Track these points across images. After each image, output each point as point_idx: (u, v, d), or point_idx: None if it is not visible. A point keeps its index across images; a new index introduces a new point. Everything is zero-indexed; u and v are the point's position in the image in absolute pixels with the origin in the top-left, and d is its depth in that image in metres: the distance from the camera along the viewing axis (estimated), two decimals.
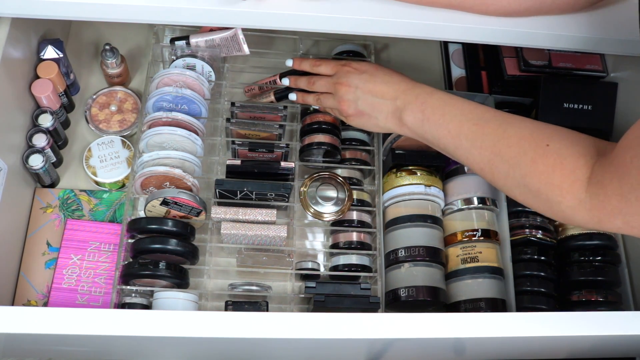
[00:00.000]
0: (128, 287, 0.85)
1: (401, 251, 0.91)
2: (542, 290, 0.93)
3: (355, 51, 1.06)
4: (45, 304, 0.91)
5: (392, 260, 0.91)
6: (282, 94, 1.00)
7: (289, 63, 0.95)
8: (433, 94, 0.80)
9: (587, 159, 0.65)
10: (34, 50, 0.94)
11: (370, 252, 0.93)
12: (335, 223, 0.95)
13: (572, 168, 0.65)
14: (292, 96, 0.95)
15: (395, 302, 0.89)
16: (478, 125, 0.74)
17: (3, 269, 0.88)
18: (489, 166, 0.72)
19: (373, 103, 0.84)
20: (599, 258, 0.94)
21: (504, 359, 0.92)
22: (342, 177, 0.95)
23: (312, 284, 0.86)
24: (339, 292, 0.86)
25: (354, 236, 0.94)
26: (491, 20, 0.83)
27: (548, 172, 0.67)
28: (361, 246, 0.94)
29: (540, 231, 0.96)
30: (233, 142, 0.93)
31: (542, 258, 0.95)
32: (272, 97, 1.00)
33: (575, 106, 1.04)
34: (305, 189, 0.94)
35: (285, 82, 0.96)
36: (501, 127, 0.72)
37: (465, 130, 0.74)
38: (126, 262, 0.86)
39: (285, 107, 0.96)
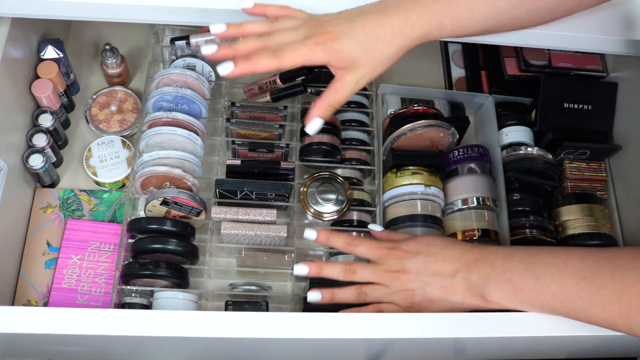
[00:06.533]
0: (128, 287, 0.85)
1: None
2: None
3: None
4: (45, 304, 0.91)
5: None
6: (278, 94, 1.00)
7: (312, 236, 0.78)
8: (509, 256, 0.69)
9: None
10: (34, 50, 0.94)
11: None
12: (335, 223, 0.95)
13: None
14: (315, 295, 0.75)
15: None
16: (586, 278, 0.63)
17: (3, 269, 0.88)
18: (623, 321, 0.62)
19: (443, 286, 0.72)
20: None
21: (504, 359, 0.92)
22: (342, 177, 0.95)
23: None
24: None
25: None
26: None
27: None
28: None
29: (540, 231, 0.95)
30: (233, 142, 0.93)
31: None
32: (268, 97, 1.00)
33: (575, 106, 1.04)
34: (305, 189, 0.94)
35: (303, 270, 0.76)
36: (616, 274, 0.62)
37: (572, 289, 0.64)
38: (126, 262, 0.86)
39: (285, 107, 0.96)
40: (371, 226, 0.84)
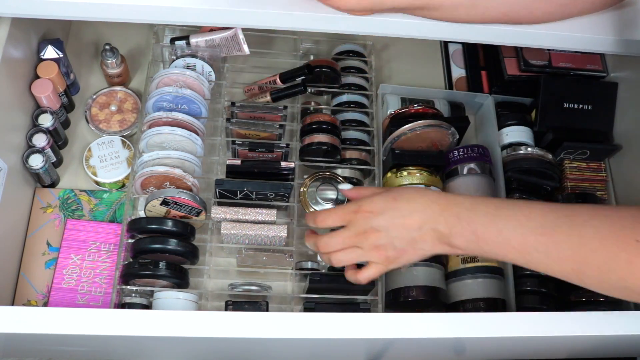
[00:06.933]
0: (128, 287, 0.85)
1: None
2: (542, 290, 0.93)
3: (355, 51, 1.06)
4: (45, 304, 0.91)
5: None
6: (278, 94, 1.00)
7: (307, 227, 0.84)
8: (474, 208, 0.71)
9: None
10: (34, 50, 0.94)
11: None
12: None
13: None
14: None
15: (395, 302, 0.89)
16: (545, 234, 0.66)
17: (3, 269, 0.88)
18: (575, 275, 0.65)
19: (412, 237, 0.74)
20: None
21: (504, 359, 0.92)
22: (342, 177, 0.95)
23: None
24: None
25: None
26: None
27: None
28: None
29: None
30: (233, 142, 0.93)
31: None
32: (268, 97, 1.00)
33: (575, 106, 1.04)
34: (305, 189, 0.94)
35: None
36: (573, 231, 0.64)
37: (531, 242, 0.66)
38: (126, 262, 0.86)
39: (285, 107, 0.96)
40: (341, 186, 0.85)
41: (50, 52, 0.94)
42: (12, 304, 0.90)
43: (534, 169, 0.99)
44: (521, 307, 0.91)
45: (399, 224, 0.74)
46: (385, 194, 0.78)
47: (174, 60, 0.96)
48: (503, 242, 0.68)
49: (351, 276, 0.80)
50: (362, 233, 0.76)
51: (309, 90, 1.01)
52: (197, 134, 0.91)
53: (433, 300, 0.89)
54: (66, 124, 1.01)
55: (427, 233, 0.73)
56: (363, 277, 0.78)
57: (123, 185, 0.99)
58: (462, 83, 1.14)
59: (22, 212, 0.94)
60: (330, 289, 0.88)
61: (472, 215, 0.70)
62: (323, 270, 0.93)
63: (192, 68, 0.96)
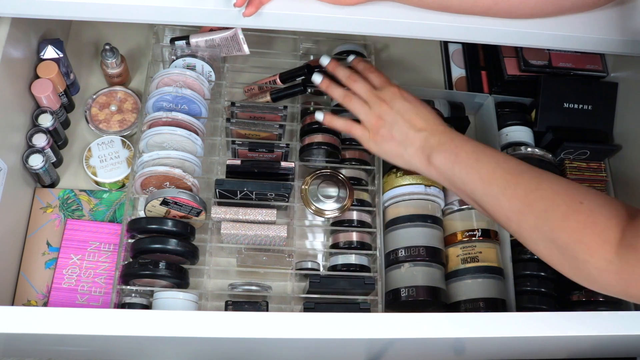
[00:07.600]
0: (128, 287, 0.85)
1: (401, 251, 0.91)
2: (542, 290, 0.93)
3: (355, 51, 1.06)
4: (45, 304, 0.91)
5: (392, 260, 0.91)
6: (278, 94, 1.00)
7: (325, 61, 0.89)
8: (469, 141, 0.79)
9: (619, 221, 0.63)
10: (34, 50, 0.94)
11: (370, 252, 0.93)
12: (335, 223, 0.95)
13: (603, 227, 0.63)
14: (317, 78, 0.88)
15: (395, 302, 0.89)
16: (511, 174, 0.73)
17: (3, 269, 0.88)
18: (516, 216, 0.71)
19: (408, 133, 0.81)
20: None
21: (504, 359, 0.92)
22: (343, 175, 0.95)
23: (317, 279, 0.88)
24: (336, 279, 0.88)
25: (354, 236, 0.94)
26: (491, 20, 0.83)
27: (579, 229, 0.65)
28: (361, 246, 0.94)
29: None
30: (233, 142, 0.93)
31: None
32: (268, 97, 1.00)
33: (575, 106, 1.04)
34: (306, 187, 0.94)
35: (318, 79, 0.88)
36: (535, 180, 0.71)
37: (497, 177, 0.73)
38: (126, 262, 0.86)
39: (285, 107, 0.96)
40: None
41: (50, 52, 0.94)
42: (12, 304, 0.90)
43: None
44: (521, 307, 0.91)
45: (409, 116, 0.81)
46: (417, 98, 0.84)
47: (174, 60, 0.96)
48: (474, 168, 0.75)
49: (332, 119, 0.87)
50: (382, 100, 0.83)
51: (309, 90, 1.00)
52: (197, 134, 0.91)
53: (433, 300, 0.89)
54: (66, 124, 1.01)
55: (419, 138, 0.80)
56: (340, 122, 0.86)
57: (123, 185, 0.99)
58: (462, 83, 1.14)
59: (22, 212, 0.94)
60: (330, 291, 0.88)
61: (464, 143, 0.78)
62: (323, 271, 0.93)
63: (192, 68, 0.96)
